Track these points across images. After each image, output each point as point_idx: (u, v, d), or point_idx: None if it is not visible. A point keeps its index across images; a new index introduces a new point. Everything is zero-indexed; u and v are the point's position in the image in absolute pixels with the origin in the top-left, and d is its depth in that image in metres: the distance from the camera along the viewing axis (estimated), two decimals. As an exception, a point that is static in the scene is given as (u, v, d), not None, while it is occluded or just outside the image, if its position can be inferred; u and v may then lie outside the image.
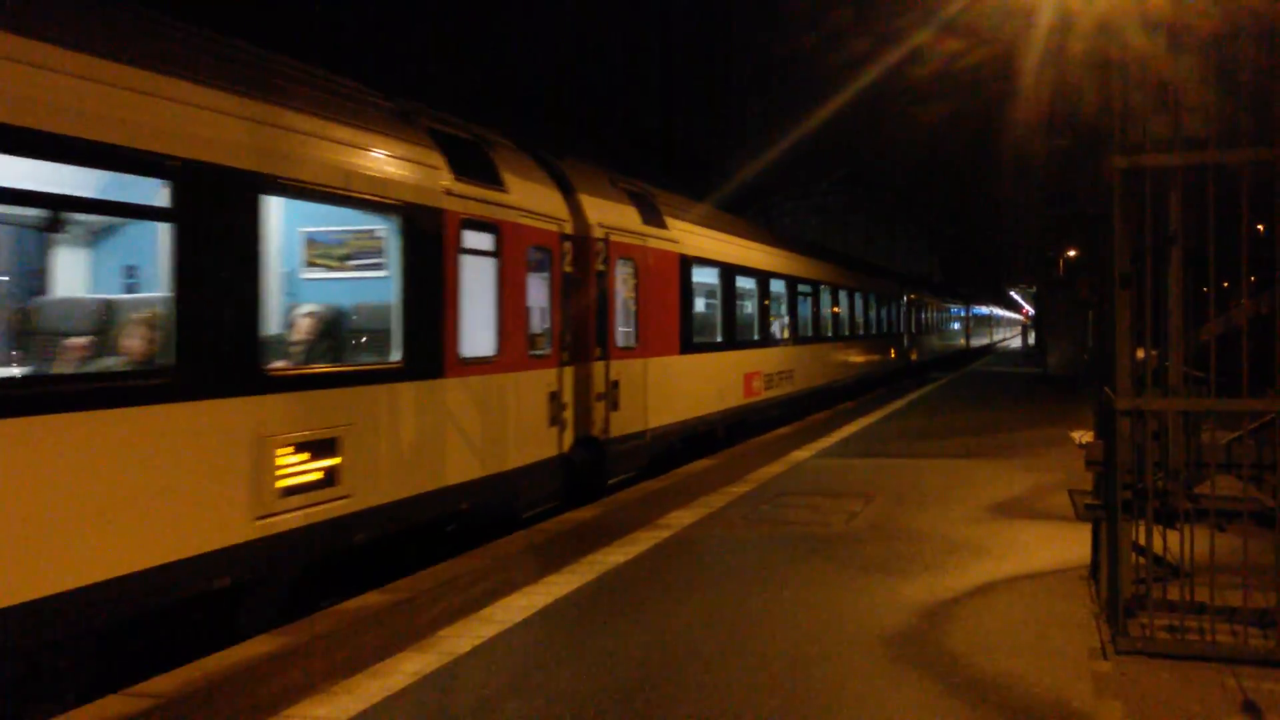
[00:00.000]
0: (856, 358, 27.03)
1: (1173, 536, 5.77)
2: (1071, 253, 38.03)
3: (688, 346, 14.39)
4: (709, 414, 15.23)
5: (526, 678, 5.47)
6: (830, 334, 24.09)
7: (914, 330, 37.36)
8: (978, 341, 72.59)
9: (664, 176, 21.44)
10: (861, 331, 27.92)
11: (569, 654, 5.83)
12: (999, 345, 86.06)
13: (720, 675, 5.38)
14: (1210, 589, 5.50)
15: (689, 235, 14.76)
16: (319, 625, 6.53)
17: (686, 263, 14.47)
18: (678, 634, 6.14)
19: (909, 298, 36.21)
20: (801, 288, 21.16)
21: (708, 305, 16.68)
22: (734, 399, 16.49)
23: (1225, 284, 5.96)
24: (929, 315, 43.17)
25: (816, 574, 7.50)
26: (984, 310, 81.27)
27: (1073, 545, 7.96)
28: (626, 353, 12.41)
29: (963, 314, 62.07)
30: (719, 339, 16.14)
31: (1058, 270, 40.53)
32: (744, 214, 25.39)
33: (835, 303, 24.57)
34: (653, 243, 13.29)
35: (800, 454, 14.25)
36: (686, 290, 14.44)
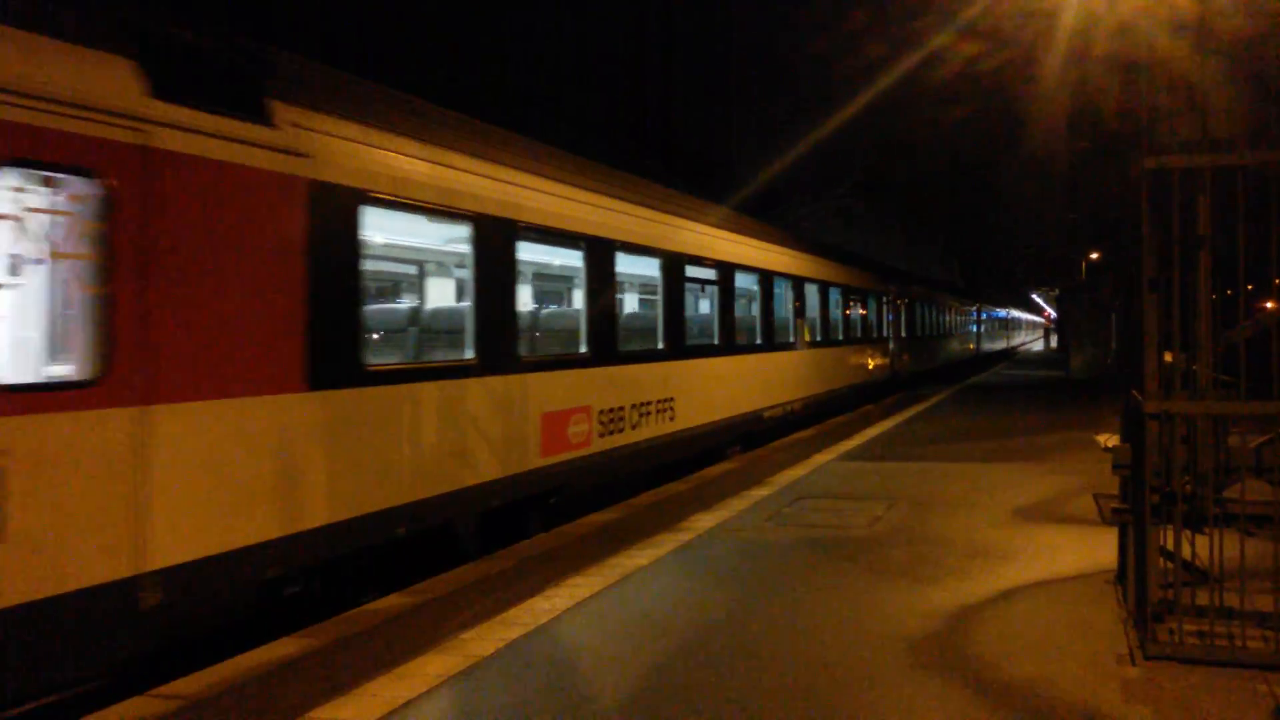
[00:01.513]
0: (807, 372, 19.72)
1: (1201, 541, 5.71)
2: (1094, 255, 37.85)
3: (345, 373, 7.34)
4: (418, 501, 8.02)
5: (550, 681, 5.46)
6: (759, 340, 17.03)
7: (905, 335, 30.86)
8: (994, 346, 66.22)
9: (681, 182, 20.65)
10: (818, 337, 20.69)
11: (590, 657, 5.83)
12: (1020, 349, 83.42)
13: (744, 678, 5.36)
14: (1240, 595, 5.44)
15: (356, 148, 7.62)
16: (342, 627, 6.54)
17: (338, 200, 7.36)
18: (701, 636, 6.12)
19: (895, 295, 29.81)
20: (695, 271, 14.04)
21: (428, 289, 11.29)
22: (508, 462, 9.25)
23: (1250, 286, 5.90)
24: (927, 317, 36.16)
25: (840, 578, 7.46)
26: (1001, 312, 74.79)
27: (1098, 550, 7.90)
28: (36, 400, 5.31)
29: (974, 316, 54.98)
30: (469, 354, 8.91)
31: (1080, 273, 40.33)
32: (761, 218, 24.24)
33: (768, 296, 17.38)
34: (183, 144, 6.15)
35: (823, 456, 14.20)
36: (338, 255, 7.38)
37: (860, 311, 25.11)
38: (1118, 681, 5.16)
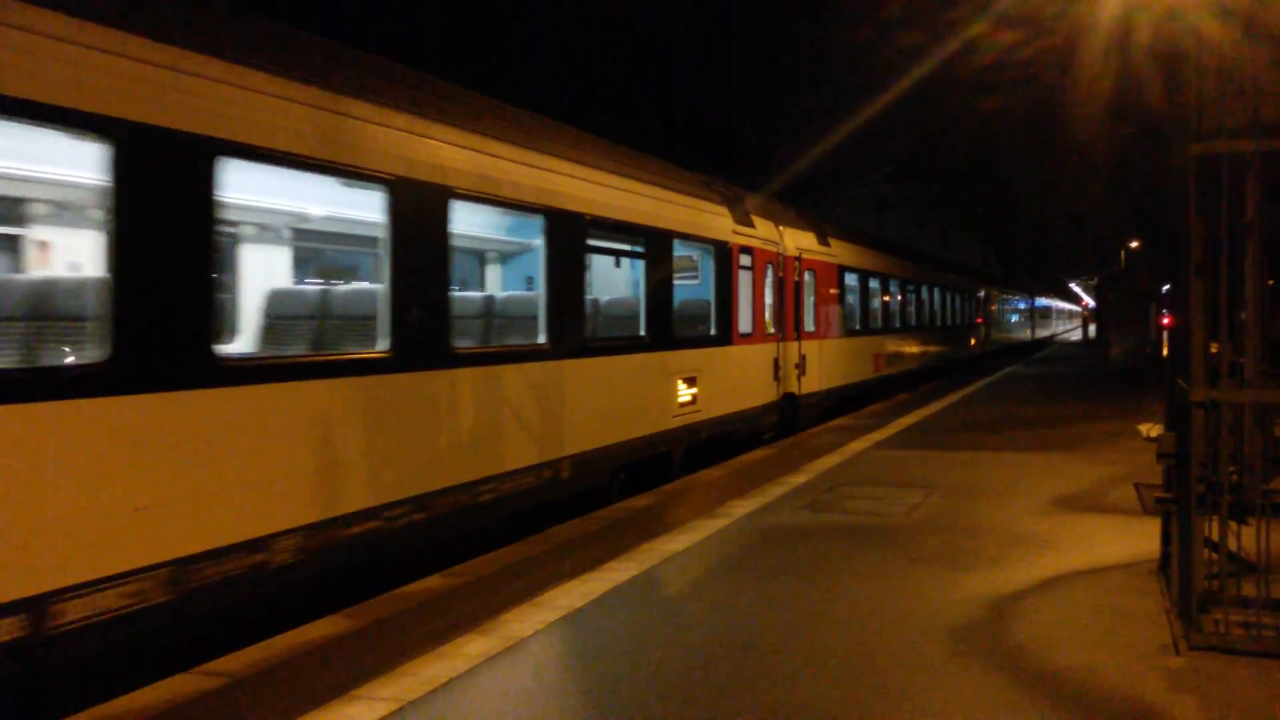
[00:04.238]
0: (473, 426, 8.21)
1: (1246, 532, 5.64)
2: (1134, 244, 37.42)
3: None
4: None
5: (587, 663, 5.48)
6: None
7: (827, 328, 18.62)
8: (1017, 337, 54.24)
9: (722, 170, 19.27)
10: (533, 337, 9.51)
11: (629, 640, 5.84)
12: (1054, 340, 77.84)
13: (784, 664, 5.36)
14: (1287, 585, 5.38)
15: None
16: (381, 608, 6.60)
17: None
18: (739, 622, 6.12)
19: (792, 261, 16.84)
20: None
21: None
22: None
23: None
24: (887, 301, 24.34)
25: (879, 565, 7.44)
26: (1023, 300, 60.91)
27: (1140, 539, 7.82)
28: None
29: (983, 302, 41.37)
30: None
31: (1119, 262, 39.82)
32: (797, 203, 22.47)
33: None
34: None
35: (858, 445, 14.14)
36: None
37: (685, 281, 13.62)
38: (1162, 671, 5.11)
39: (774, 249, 16.02)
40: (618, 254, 11.74)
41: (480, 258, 12.74)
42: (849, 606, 6.40)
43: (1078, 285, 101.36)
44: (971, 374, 31.58)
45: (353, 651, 5.75)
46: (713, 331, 13.47)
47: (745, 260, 14.54)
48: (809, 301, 17.67)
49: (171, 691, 5.19)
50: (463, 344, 8.71)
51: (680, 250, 12.74)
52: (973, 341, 38.07)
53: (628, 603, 6.60)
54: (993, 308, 44.37)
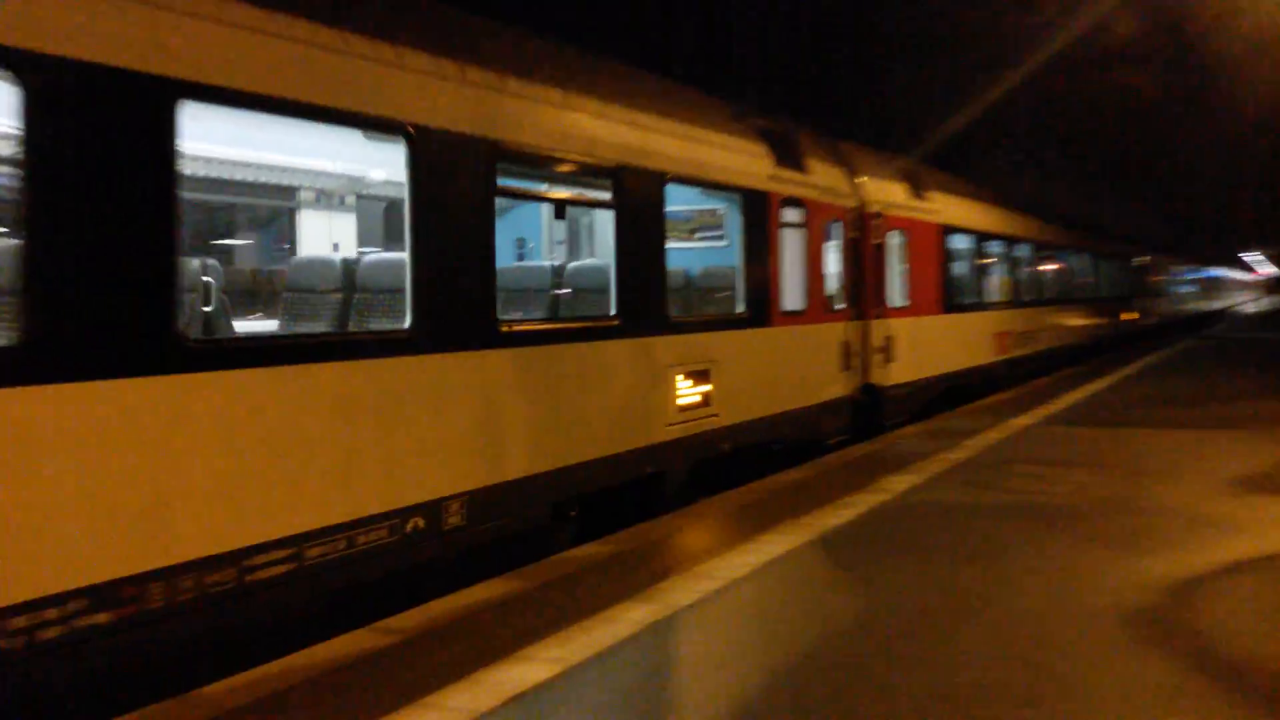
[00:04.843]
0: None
1: None
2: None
3: None
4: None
5: (746, 633, 5.50)
6: None
7: (953, 295, 16.54)
8: (1182, 309, 46.74)
9: (882, 141, 17.54)
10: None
11: (789, 613, 5.83)
12: (1228, 312, 69.44)
13: (955, 643, 5.25)
14: None
15: None
16: (546, 573, 6.75)
17: None
18: (904, 599, 6.03)
19: (871, 219, 13.29)
20: None
21: None
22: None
23: None
24: (994, 266, 19.28)
25: (1046, 545, 7.22)
26: (1191, 271, 51.22)
27: (1333, 525, 7.39)
28: None
29: (1132, 269, 34.41)
30: None
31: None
32: (951, 168, 20.65)
33: None
34: None
35: (1022, 420, 13.72)
36: None
37: (702, 244, 11.77)
38: (1361, 666, 4.83)
39: (842, 202, 12.51)
40: (557, 201, 8.45)
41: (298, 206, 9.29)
42: (1018, 587, 6.23)
43: (1260, 254, 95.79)
44: (1134, 351, 28.57)
45: (520, 613, 5.90)
46: (739, 309, 10.20)
47: (793, 215, 11.12)
48: (898, 269, 14.20)
49: (350, 646, 5.43)
50: (206, 334, 6.12)
51: (682, 201, 10.06)
52: (1133, 315, 33.62)
53: (785, 576, 6.58)
54: (1157, 278, 39.73)
